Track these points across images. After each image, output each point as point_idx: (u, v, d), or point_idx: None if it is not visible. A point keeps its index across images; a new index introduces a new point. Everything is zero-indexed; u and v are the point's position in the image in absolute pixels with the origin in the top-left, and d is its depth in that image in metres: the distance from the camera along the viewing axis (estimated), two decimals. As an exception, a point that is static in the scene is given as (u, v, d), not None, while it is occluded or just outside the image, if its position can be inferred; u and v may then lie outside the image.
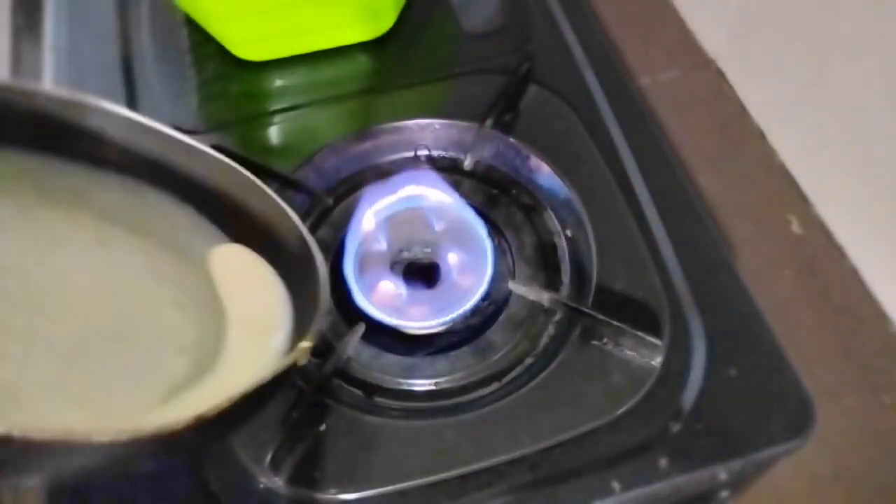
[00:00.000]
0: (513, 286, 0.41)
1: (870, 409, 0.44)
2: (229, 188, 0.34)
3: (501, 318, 0.40)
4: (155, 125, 0.33)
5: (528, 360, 0.39)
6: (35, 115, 0.31)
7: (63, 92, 0.31)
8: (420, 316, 0.39)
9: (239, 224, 0.34)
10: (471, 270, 0.40)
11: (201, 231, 0.34)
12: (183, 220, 0.34)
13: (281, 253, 0.34)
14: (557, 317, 0.40)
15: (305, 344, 0.28)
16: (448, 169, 0.46)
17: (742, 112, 0.55)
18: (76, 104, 0.31)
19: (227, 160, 0.34)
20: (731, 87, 0.56)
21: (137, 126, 0.33)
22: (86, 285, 0.31)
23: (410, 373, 0.39)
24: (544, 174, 0.44)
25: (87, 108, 0.32)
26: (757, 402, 0.36)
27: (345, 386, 0.38)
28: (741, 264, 0.42)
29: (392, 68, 0.51)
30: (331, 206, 0.45)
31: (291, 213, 0.33)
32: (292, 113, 0.48)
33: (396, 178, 0.42)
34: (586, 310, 0.38)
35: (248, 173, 0.34)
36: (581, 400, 0.36)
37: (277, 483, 0.34)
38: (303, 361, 0.28)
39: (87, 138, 0.32)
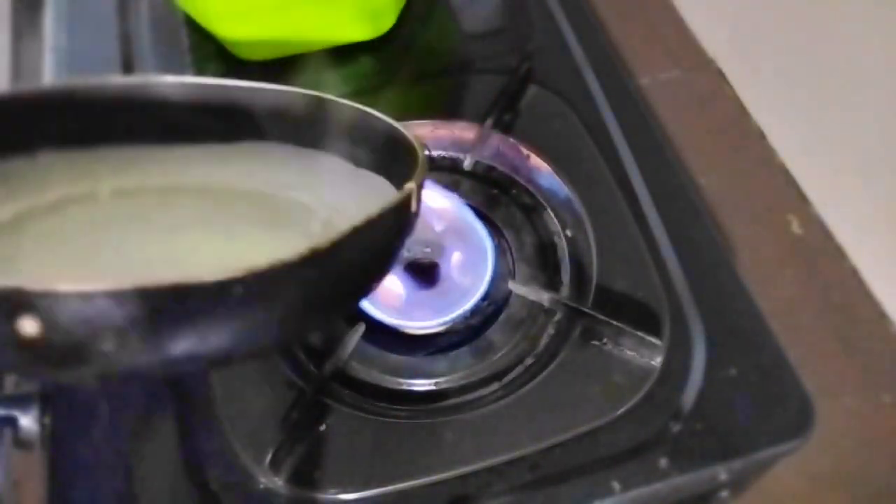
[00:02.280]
0: (513, 286, 0.41)
1: (870, 409, 0.44)
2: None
3: (501, 318, 0.40)
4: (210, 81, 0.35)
5: (528, 360, 0.39)
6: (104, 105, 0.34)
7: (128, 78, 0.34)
8: (420, 316, 0.39)
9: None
10: (471, 270, 0.40)
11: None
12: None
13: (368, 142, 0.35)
14: (557, 317, 0.40)
15: (410, 185, 0.27)
16: (448, 169, 0.46)
17: (742, 112, 0.55)
18: (139, 85, 0.34)
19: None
20: (731, 87, 0.56)
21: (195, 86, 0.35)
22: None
23: (410, 373, 0.39)
24: (544, 174, 0.44)
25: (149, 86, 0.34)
26: (757, 402, 0.36)
27: (345, 386, 0.38)
28: (741, 264, 0.42)
29: (392, 68, 0.51)
30: (331, 206, 0.45)
31: (367, 109, 0.35)
32: (292, 113, 0.48)
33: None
34: (586, 310, 0.38)
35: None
36: (581, 400, 0.36)
37: (277, 483, 0.34)
38: (412, 204, 0.28)
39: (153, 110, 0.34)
